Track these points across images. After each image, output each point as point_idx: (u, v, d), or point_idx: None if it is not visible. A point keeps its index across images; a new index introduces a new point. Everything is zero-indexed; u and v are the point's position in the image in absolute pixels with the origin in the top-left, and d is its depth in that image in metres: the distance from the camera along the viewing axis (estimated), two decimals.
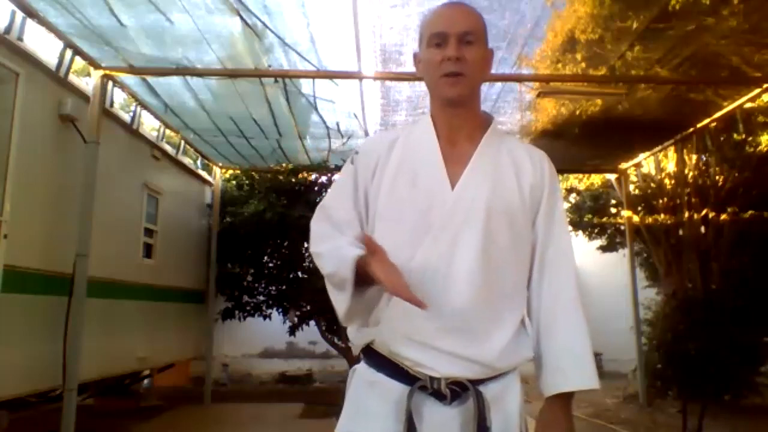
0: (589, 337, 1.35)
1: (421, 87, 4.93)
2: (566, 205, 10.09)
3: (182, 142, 6.48)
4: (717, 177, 6.70)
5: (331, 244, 1.32)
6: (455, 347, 1.24)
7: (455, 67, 1.30)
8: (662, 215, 7.26)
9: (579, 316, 1.34)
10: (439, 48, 1.31)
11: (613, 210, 9.25)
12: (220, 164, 7.54)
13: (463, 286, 1.25)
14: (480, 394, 1.23)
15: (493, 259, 1.28)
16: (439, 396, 1.24)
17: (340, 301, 1.27)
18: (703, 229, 6.70)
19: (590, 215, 9.60)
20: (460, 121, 1.37)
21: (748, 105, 5.33)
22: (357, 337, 1.36)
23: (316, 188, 7.38)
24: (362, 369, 1.35)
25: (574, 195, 10.01)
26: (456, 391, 1.24)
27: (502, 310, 1.30)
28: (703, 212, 6.61)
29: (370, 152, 1.40)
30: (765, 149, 6.58)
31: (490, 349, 1.26)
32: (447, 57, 1.30)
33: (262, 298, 7.57)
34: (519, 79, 4.76)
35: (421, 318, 1.20)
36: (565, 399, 1.30)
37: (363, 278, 1.20)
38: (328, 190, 1.46)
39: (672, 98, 5.07)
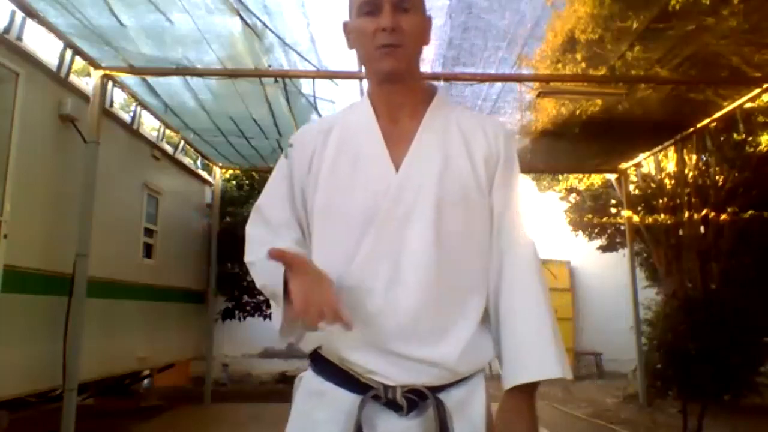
0: (551, 322, 1.16)
1: None
2: (566, 206, 10.11)
3: (182, 142, 6.48)
4: (717, 177, 6.70)
5: (263, 253, 1.11)
6: (410, 350, 1.10)
7: (391, 38, 1.15)
8: (662, 215, 7.26)
9: (539, 300, 1.17)
10: (372, 17, 1.16)
11: (613, 210, 9.26)
12: (220, 164, 7.54)
13: (414, 280, 1.12)
14: (441, 402, 1.09)
15: (446, 247, 1.14)
16: (394, 406, 1.10)
17: (274, 316, 1.15)
18: (703, 229, 6.69)
19: (590, 215, 9.60)
20: (400, 97, 1.23)
21: (748, 105, 5.33)
22: (303, 343, 1.21)
23: None
24: (309, 377, 1.21)
25: (574, 195, 10.01)
26: (413, 400, 1.09)
27: (462, 305, 1.16)
28: (703, 212, 6.61)
29: (305, 143, 1.26)
30: (765, 149, 6.58)
31: (448, 350, 1.11)
32: (381, 27, 1.14)
33: (262, 298, 7.57)
34: (519, 79, 4.76)
35: (372, 319, 1.10)
36: (526, 391, 1.13)
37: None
38: (264, 189, 1.34)
39: (672, 98, 5.07)
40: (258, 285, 1.19)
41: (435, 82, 1.23)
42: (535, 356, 1.12)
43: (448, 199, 1.15)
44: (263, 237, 1.23)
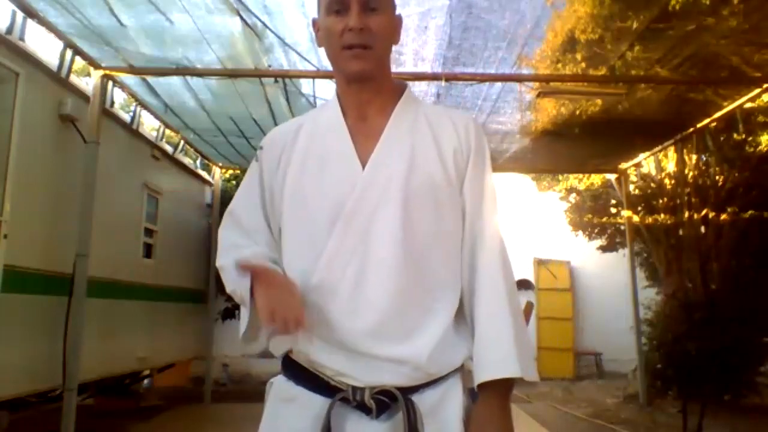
0: (513, 321, 1.11)
1: (420, 87, 4.93)
2: (566, 206, 10.11)
3: (182, 142, 6.48)
4: (717, 177, 6.70)
5: (234, 258, 1.15)
6: (378, 349, 1.07)
7: (359, 38, 1.12)
8: (662, 215, 7.26)
9: (501, 300, 1.12)
10: (340, 15, 1.14)
11: (613, 210, 9.26)
12: (220, 164, 7.54)
13: (381, 279, 1.09)
14: (411, 403, 1.05)
15: (414, 245, 1.11)
16: (364, 409, 1.07)
17: (242, 320, 1.15)
18: (703, 229, 6.69)
19: (590, 215, 9.61)
20: (369, 95, 1.20)
21: (748, 105, 5.33)
22: (272, 345, 1.19)
23: None
24: (279, 382, 1.18)
25: (574, 195, 10.02)
26: (383, 401, 1.06)
27: (432, 302, 1.12)
28: (703, 212, 6.61)
29: (274, 144, 1.26)
30: (765, 149, 6.58)
31: (418, 348, 1.08)
32: (349, 27, 1.12)
33: None
34: (519, 79, 4.76)
35: (339, 320, 1.09)
36: (498, 393, 1.08)
37: None
38: (236, 193, 1.35)
39: (672, 98, 5.07)
40: (228, 290, 1.17)
41: (405, 82, 1.23)
42: (496, 355, 1.08)
43: (416, 196, 1.13)
44: (235, 241, 1.22)
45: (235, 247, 1.20)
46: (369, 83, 1.19)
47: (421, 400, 1.07)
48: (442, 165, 1.16)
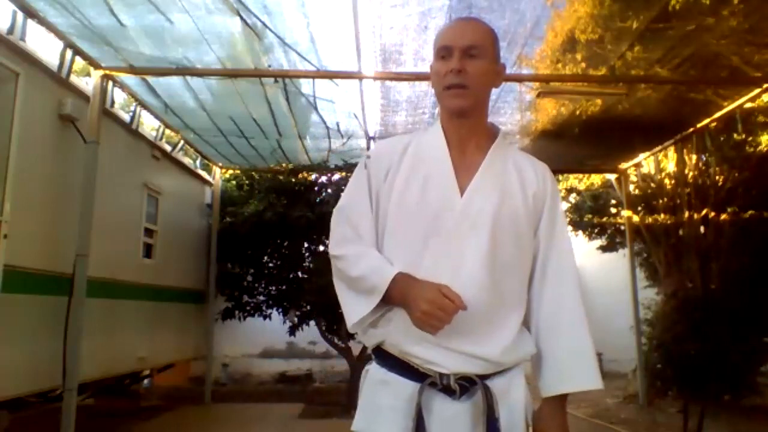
0: (591, 340, 1.40)
1: (420, 87, 4.93)
2: (566, 206, 10.11)
3: (182, 142, 6.48)
4: (717, 177, 6.70)
5: (358, 250, 1.39)
6: (463, 345, 1.30)
7: (457, 79, 1.35)
8: (662, 215, 7.26)
9: (582, 320, 1.40)
10: (444, 60, 1.37)
11: (613, 210, 9.25)
12: (220, 164, 7.54)
13: (470, 288, 1.29)
14: (488, 387, 1.29)
15: (498, 263, 1.34)
16: (448, 391, 1.30)
17: (359, 305, 1.35)
18: (703, 229, 6.69)
19: (590, 215, 9.60)
20: (467, 131, 1.42)
21: (748, 105, 5.32)
22: (366, 338, 1.41)
23: (316, 188, 7.37)
24: (374, 369, 1.40)
25: (574, 195, 10.01)
26: (464, 386, 1.29)
27: (506, 311, 1.35)
28: (703, 212, 6.61)
29: (383, 156, 1.45)
30: (765, 149, 6.58)
31: (495, 346, 1.31)
32: (449, 69, 1.35)
33: (262, 298, 7.57)
34: (519, 79, 4.76)
35: None
36: (562, 398, 1.37)
37: (386, 296, 1.31)
38: (343, 193, 1.52)
39: (672, 98, 5.07)
40: (350, 275, 1.38)
41: (498, 127, 1.53)
42: (581, 369, 1.36)
43: (503, 226, 1.35)
44: (350, 235, 1.43)
45: (352, 241, 1.41)
46: (466, 120, 1.41)
47: (493, 385, 1.31)
48: (524, 203, 1.40)
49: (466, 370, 1.30)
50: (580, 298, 1.41)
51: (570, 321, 1.39)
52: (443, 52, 1.38)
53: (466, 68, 1.35)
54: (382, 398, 1.34)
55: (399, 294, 1.30)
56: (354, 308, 1.36)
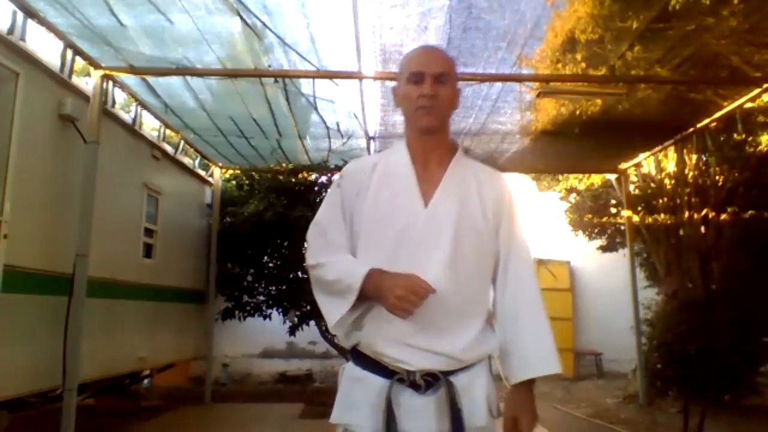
0: (550, 330, 1.55)
1: None
2: (566, 206, 10.11)
3: (182, 142, 6.48)
4: (717, 177, 6.69)
5: (332, 258, 1.53)
6: (428, 344, 1.44)
7: (429, 101, 1.52)
8: (662, 215, 7.26)
9: (540, 313, 1.55)
10: (417, 85, 1.53)
11: (613, 210, 9.25)
12: (220, 164, 7.54)
13: (436, 290, 1.41)
14: (450, 383, 1.43)
15: (460, 268, 1.48)
16: (415, 387, 1.44)
17: (338, 306, 1.48)
18: (703, 229, 6.69)
19: (590, 215, 9.60)
20: (432, 146, 1.59)
21: (748, 105, 5.32)
22: (345, 340, 1.57)
23: (316, 188, 7.37)
24: (350, 367, 1.56)
25: (574, 195, 10.01)
26: (429, 381, 1.44)
27: (469, 311, 1.51)
28: (703, 212, 6.60)
29: (354, 175, 1.61)
30: (765, 149, 6.58)
31: (457, 345, 1.46)
32: (423, 93, 1.52)
33: (262, 298, 7.57)
34: (519, 79, 4.76)
35: (399, 321, 1.41)
36: (529, 385, 1.52)
37: (362, 293, 1.43)
38: (320, 208, 1.69)
39: (672, 98, 5.07)
40: (327, 279, 1.52)
41: (457, 141, 1.77)
42: (541, 357, 1.51)
43: (463, 233, 1.50)
44: (325, 247, 1.58)
45: (327, 251, 1.56)
46: (434, 136, 1.58)
47: (456, 380, 1.45)
48: (483, 210, 1.55)
49: (431, 367, 1.44)
50: (537, 294, 1.57)
51: (530, 314, 1.54)
52: (415, 77, 1.54)
53: (438, 93, 1.52)
54: (356, 393, 1.49)
55: (373, 287, 1.41)
56: (333, 310, 1.48)
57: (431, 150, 1.58)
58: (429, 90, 1.51)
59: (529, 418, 1.49)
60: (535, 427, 1.50)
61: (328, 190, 1.70)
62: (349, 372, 1.55)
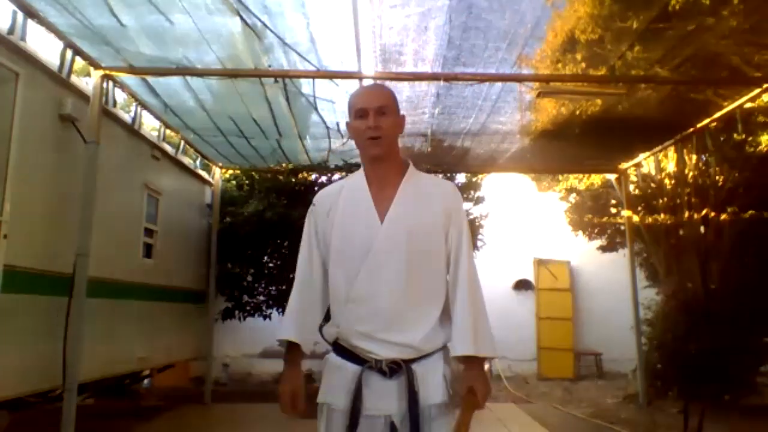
0: (479, 317, 1.80)
1: (420, 87, 4.94)
2: (566, 206, 10.12)
3: (182, 142, 6.48)
4: (717, 177, 6.69)
5: (301, 283, 1.94)
6: (391, 337, 1.76)
7: (374, 132, 1.80)
8: (662, 215, 7.26)
9: (474, 302, 1.80)
10: (362, 119, 1.82)
11: (613, 210, 9.25)
12: (220, 164, 7.54)
13: (394, 294, 1.76)
14: (410, 369, 1.75)
15: (414, 272, 1.78)
16: (381, 372, 1.75)
17: (284, 330, 1.89)
18: (703, 229, 6.69)
19: (590, 215, 9.60)
20: (383, 170, 1.87)
21: (748, 105, 5.32)
22: (327, 334, 1.88)
23: (316, 188, 7.36)
24: (332, 356, 1.88)
25: (574, 195, 10.01)
26: (393, 368, 1.75)
27: (424, 309, 1.80)
28: (703, 212, 6.60)
29: (324, 198, 1.94)
30: (765, 149, 6.58)
31: (415, 337, 1.76)
32: (368, 126, 1.80)
33: (262, 298, 7.57)
34: (519, 79, 4.76)
35: (368, 320, 1.76)
36: (476, 361, 1.78)
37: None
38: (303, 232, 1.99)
39: (672, 98, 5.07)
40: (289, 305, 1.95)
41: (408, 160, 2.03)
42: (463, 340, 1.77)
43: (416, 242, 1.79)
44: (305, 268, 1.94)
45: (302, 272, 1.95)
46: (383, 162, 1.87)
47: (417, 367, 1.76)
48: (433, 218, 1.84)
49: (395, 356, 1.75)
50: (471, 287, 1.82)
51: (461, 305, 1.79)
52: (360, 113, 1.82)
53: (380, 124, 1.80)
54: (335, 378, 1.82)
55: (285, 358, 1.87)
56: (282, 330, 1.89)
57: (384, 173, 1.86)
58: (373, 122, 1.79)
59: (482, 386, 1.76)
60: (489, 394, 1.79)
61: (306, 217, 1.98)
62: (331, 360, 1.87)
